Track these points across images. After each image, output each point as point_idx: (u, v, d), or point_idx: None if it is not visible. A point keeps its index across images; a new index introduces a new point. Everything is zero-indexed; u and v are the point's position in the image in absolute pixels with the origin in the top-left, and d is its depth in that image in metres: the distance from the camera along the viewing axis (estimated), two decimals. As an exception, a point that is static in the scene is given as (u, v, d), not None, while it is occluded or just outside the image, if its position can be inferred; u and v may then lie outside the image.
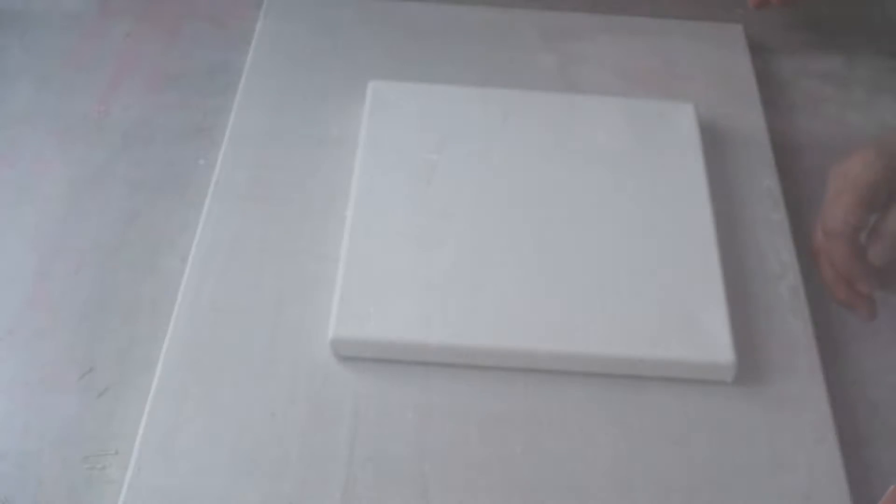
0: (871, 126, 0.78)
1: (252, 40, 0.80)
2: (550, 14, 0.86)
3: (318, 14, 0.83)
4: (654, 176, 0.69)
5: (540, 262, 0.63)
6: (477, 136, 0.71)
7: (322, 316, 0.62)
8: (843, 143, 0.76)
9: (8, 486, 0.54)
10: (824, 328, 0.63)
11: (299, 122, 0.74)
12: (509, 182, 0.68)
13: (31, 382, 0.58)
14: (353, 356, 0.60)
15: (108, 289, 0.63)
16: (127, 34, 0.81)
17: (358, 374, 0.59)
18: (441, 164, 0.69)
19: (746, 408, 0.59)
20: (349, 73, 0.78)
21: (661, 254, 0.64)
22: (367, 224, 0.64)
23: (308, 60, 0.79)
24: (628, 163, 0.70)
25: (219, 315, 0.62)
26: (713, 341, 0.59)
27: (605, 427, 0.58)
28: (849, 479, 0.56)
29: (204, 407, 0.57)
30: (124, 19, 0.82)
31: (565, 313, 0.60)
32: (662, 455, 0.57)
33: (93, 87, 0.76)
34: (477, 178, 0.68)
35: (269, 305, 0.63)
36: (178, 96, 0.76)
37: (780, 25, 0.86)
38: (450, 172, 0.68)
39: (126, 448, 0.55)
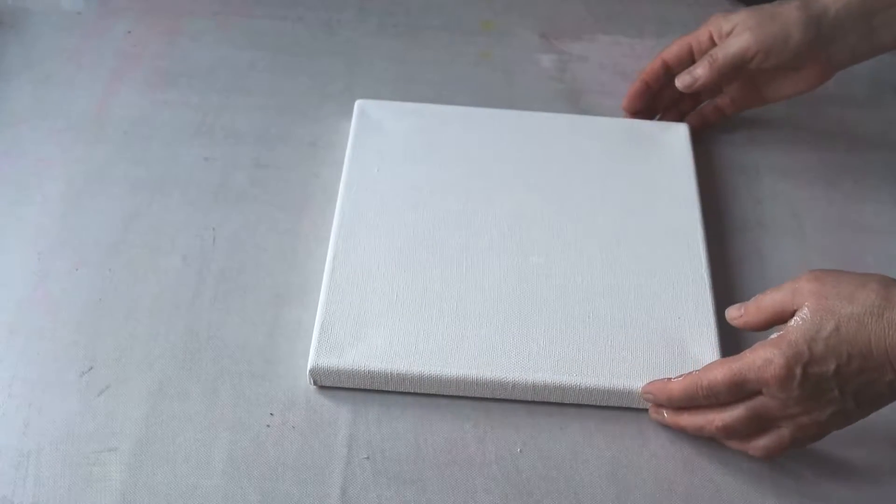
0: (872, 124, 0.78)
1: (251, 38, 0.81)
2: (550, 14, 0.86)
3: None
4: (645, 200, 0.68)
5: (526, 290, 0.62)
6: (464, 157, 0.70)
7: (321, 315, 0.62)
8: (845, 142, 0.76)
9: (8, 485, 0.54)
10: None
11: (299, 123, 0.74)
12: (496, 205, 0.66)
13: (32, 381, 0.58)
14: (333, 386, 0.59)
15: (108, 288, 0.63)
16: (127, 32, 0.81)
17: (357, 374, 0.59)
18: (426, 188, 0.67)
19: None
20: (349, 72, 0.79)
21: (651, 281, 0.63)
22: (350, 251, 0.63)
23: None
24: (619, 187, 0.68)
25: (219, 314, 0.62)
26: None
27: (603, 427, 0.58)
28: (849, 480, 0.56)
29: (203, 407, 0.57)
30: (124, 18, 0.82)
31: (552, 344, 0.59)
32: (661, 455, 0.57)
33: (93, 85, 0.76)
34: (463, 202, 0.66)
35: (269, 306, 0.63)
36: (178, 94, 0.76)
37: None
38: (435, 196, 0.67)
39: (126, 447, 0.56)
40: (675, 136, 0.72)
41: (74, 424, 0.57)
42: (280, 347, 0.61)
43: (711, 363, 0.55)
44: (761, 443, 0.54)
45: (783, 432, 0.53)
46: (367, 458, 0.56)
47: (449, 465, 0.56)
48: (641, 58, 0.82)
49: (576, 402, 0.58)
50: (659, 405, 0.57)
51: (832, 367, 0.50)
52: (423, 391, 0.58)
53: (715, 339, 0.60)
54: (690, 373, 0.55)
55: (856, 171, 0.74)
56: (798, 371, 0.50)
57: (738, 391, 0.53)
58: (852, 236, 0.69)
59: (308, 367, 0.58)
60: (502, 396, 0.58)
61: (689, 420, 0.56)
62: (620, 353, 0.59)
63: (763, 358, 0.51)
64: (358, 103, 0.73)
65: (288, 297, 0.63)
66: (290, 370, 0.59)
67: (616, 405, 0.58)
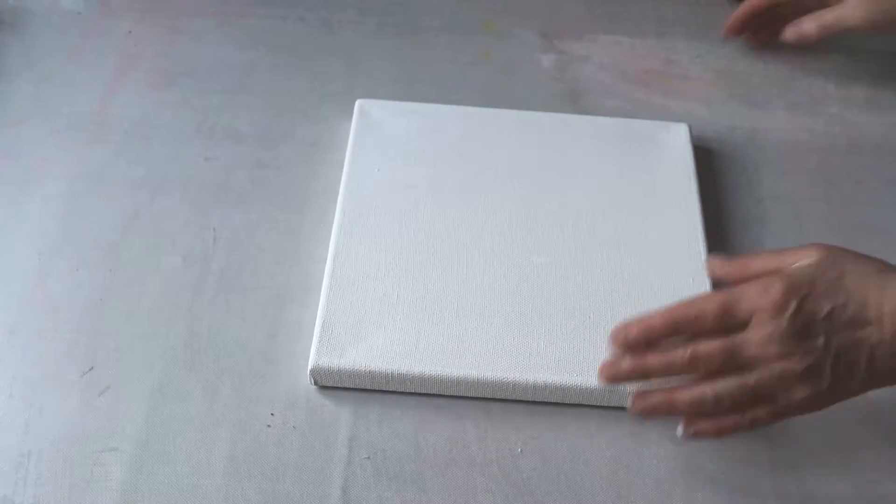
0: (872, 124, 0.78)
1: (251, 38, 0.81)
2: (550, 14, 0.86)
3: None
4: (646, 200, 0.68)
5: (526, 290, 0.62)
6: (465, 157, 0.70)
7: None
8: (845, 142, 0.76)
9: (8, 485, 0.54)
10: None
11: (299, 123, 0.74)
12: (497, 205, 0.66)
13: (32, 381, 0.58)
14: (334, 386, 0.59)
15: (108, 288, 0.63)
16: (128, 32, 0.81)
17: (358, 374, 0.59)
18: (427, 188, 0.67)
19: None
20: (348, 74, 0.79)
21: (652, 281, 0.63)
22: (350, 251, 0.63)
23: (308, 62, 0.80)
24: (620, 187, 0.68)
25: (219, 314, 0.62)
26: None
27: (604, 427, 0.58)
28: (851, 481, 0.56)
29: (204, 407, 0.57)
30: (125, 17, 0.82)
31: (552, 344, 0.59)
32: (661, 455, 0.57)
33: (94, 85, 0.76)
34: (463, 202, 0.66)
35: (269, 306, 0.63)
36: (178, 94, 0.76)
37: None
38: (436, 196, 0.67)
39: (126, 447, 0.56)
40: (675, 136, 0.72)
41: (75, 424, 0.57)
42: (280, 347, 0.61)
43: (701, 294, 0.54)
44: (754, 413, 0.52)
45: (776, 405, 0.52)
46: (368, 458, 0.56)
47: (449, 465, 0.56)
48: (642, 58, 0.82)
49: (576, 403, 0.58)
50: (633, 344, 0.53)
51: (826, 307, 0.51)
52: (423, 391, 0.58)
53: None
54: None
55: (856, 172, 0.74)
56: (794, 303, 0.51)
57: (726, 318, 0.52)
58: (853, 237, 0.69)
59: (309, 367, 0.58)
60: (503, 396, 0.58)
61: (682, 395, 0.53)
62: None
63: (761, 285, 0.52)
64: (358, 103, 0.73)
65: (288, 297, 0.63)
66: (290, 370, 0.59)
67: (616, 405, 0.58)
